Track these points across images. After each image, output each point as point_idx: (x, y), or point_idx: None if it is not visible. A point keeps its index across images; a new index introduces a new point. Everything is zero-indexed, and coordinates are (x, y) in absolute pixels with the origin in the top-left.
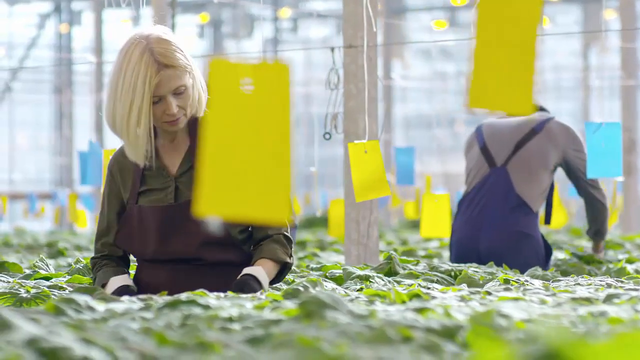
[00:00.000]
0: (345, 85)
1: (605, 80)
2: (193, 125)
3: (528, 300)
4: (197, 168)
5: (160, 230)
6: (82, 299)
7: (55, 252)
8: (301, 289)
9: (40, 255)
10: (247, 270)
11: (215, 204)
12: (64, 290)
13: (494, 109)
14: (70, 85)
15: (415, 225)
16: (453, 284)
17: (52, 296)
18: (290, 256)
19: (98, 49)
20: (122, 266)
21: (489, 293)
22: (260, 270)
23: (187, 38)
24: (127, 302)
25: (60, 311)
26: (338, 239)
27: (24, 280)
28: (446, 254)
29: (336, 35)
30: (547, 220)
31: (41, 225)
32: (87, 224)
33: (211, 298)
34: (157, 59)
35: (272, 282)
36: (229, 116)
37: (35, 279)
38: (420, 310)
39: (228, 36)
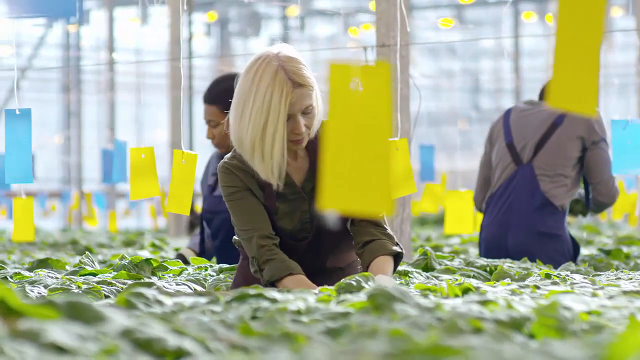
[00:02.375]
0: None
1: (612, 78)
2: (311, 143)
3: (579, 293)
4: (320, 165)
5: (295, 250)
6: (150, 292)
7: (82, 250)
8: (353, 283)
9: (86, 252)
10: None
11: (335, 199)
12: (113, 286)
13: (572, 109)
14: (79, 84)
15: (423, 222)
16: (489, 279)
17: (103, 291)
18: (398, 245)
19: (110, 47)
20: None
21: (538, 287)
22: (386, 279)
23: (194, 36)
24: (193, 296)
25: (131, 305)
26: None
27: (72, 276)
28: (471, 249)
29: (343, 33)
30: (587, 204)
31: (49, 223)
32: (97, 222)
33: (275, 292)
34: (291, 78)
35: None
36: (344, 116)
37: (81, 275)
38: (483, 303)
39: (235, 35)
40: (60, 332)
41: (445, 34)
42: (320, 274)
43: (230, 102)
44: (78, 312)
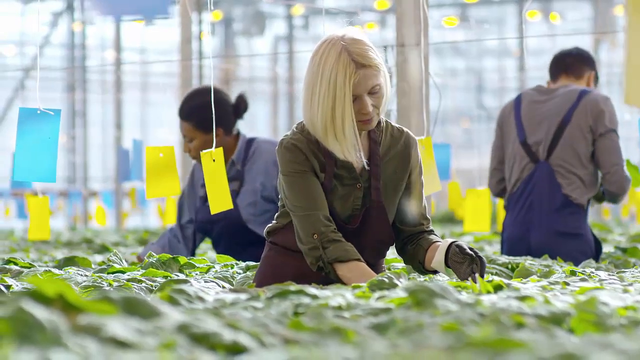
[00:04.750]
0: (398, 82)
1: (616, 76)
2: (372, 132)
3: (610, 289)
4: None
5: (343, 234)
6: (192, 289)
7: (98, 248)
8: (386, 280)
9: (114, 250)
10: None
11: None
12: (143, 283)
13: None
14: (84, 84)
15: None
16: (511, 276)
17: (134, 289)
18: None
19: (117, 47)
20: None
21: (567, 284)
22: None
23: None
24: (232, 293)
25: (173, 301)
26: None
27: (102, 274)
28: (487, 247)
29: None
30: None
31: (53, 222)
32: (106, 222)
33: (314, 288)
34: (355, 59)
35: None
36: None
37: (109, 273)
38: (521, 299)
39: (240, 34)
40: (119, 327)
41: (450, 33)
42: None
43: (203, 118)
44: (134, 308)
